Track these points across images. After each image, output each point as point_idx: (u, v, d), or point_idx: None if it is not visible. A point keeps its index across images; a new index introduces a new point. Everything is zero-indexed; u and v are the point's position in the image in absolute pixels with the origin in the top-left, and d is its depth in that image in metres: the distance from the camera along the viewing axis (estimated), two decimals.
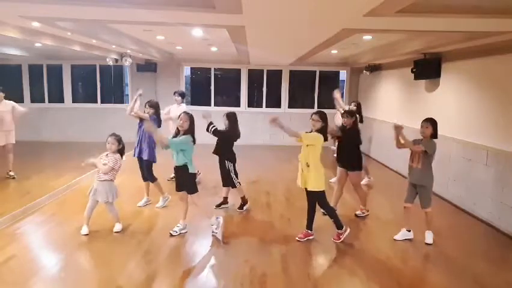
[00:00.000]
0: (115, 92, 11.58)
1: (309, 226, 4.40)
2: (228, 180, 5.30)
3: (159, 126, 5.29)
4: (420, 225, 4.48)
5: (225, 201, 5.46)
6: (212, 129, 5.04)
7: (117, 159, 4.38)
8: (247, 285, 3.41)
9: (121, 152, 4.44)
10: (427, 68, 6.52)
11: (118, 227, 4.52)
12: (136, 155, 5.33)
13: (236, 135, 5.27)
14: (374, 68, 9.32)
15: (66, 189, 5.96)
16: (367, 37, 5.84)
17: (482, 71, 5.40)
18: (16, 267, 3.63)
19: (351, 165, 5.13)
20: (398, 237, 4.46)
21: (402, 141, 4.36)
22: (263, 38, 5.80)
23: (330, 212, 4.36)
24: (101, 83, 11.07)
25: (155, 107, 5.35)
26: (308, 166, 4.14)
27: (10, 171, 6.64)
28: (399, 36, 5.75)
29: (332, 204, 5.25)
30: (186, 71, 11.46)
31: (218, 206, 5.41)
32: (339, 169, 5.26)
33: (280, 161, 8.89)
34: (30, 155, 8.88)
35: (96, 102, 11.11)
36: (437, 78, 6.44)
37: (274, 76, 11.18)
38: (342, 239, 4.34)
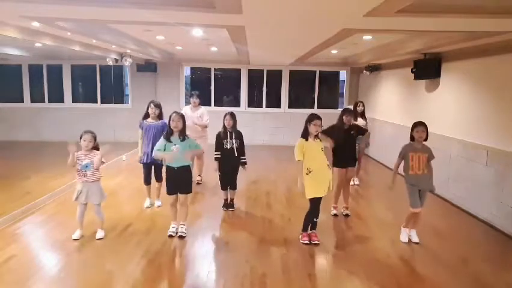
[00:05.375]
0: (115, 92, 11.58)
1: (313, 227, 4.40)
2: (234, 182, 5.31)
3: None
4: (419, 225, 4.48)
5: (232, 202, 5.43)
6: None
7: (101, 155, 4.22)
8: (247, 285, 3.41)
9: (96, 149, 4.25)
10: (427, 68, 6.52)
11: (100, 233, 4.32)
12: (150, 161, 5.18)
13: None
14: (374, 68, 9.32)
15: (66, 189, 5.96)
16: (367, 37, 5.84)
17: (482, 71, 5.39)
18: (16, 267, 3.63)
19: (354, 161, 5.24)
20: (403, 238, 4.41)
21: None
22: (263, 38, 5.80)
23: (318, 213, 4.36)
24: (101, 83, 11.08)
25: (160, 107, 5.27)
26: (329, 167, 4.19)
27: None
28: (399, 36, 5.75)
29: (333, 204, 5.28)
30: (186, 71, 11.46)
31: (226, 208, 5.37)
32: (340, 170, 5.16)
33: (280, 161, 8.89)
34: (30, 155, 8.89)
35: (96, 102, 11.12)
36: (437, 78, 6.44)
37: (274, 76, 11.18)
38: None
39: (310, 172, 4.13)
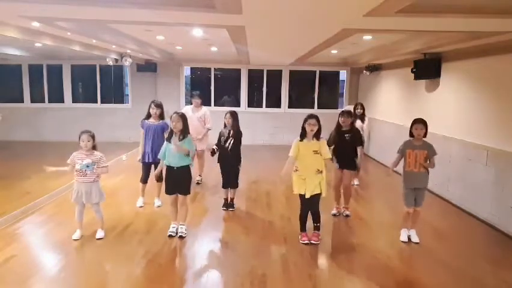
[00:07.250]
0: (115, 92, 11.58)
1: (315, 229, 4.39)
2: (234, 181, 5.31)
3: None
4: (419, 225, 4.47)
5: (232, 201, 5.43)
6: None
7: (102, 155, 4.22)
8: (247, 285, 3.41)
9: (94, 149, 4.23)
10: (427, 68, 6.52)
11: (100, 233, 4.32)
12: (153, 160, 5.19)
13: None
14: (374, 68, 9.32)
15: (66, 189, 5.95)
16: (367, 37, 5.84)
17: (482, 71, 5.39)
18: (16, 267, 3.63)
19: (352, 165, 5.11)
20: (403, 238, 4.40)
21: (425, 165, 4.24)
22: (263, 38, 5.80)
23: (319, 214, 4.36)
24: (101, 83, 11.08)
25: (161, 107, 5.27)
26: (321, 172, 4.14)
27: None
28: (399, 36, 5.75)
29: (336, 204, 5.27)
30: (186, 71, 11.46)
31: (226, 208, 5.36)
32: (335, 171, 5.16)
33: (281, 161, 8.80)
34: (30, 155, 8.89)
35: (96, 102, 11.12)
36: (437, 78, 6.44)
37: (274, 76, 11.18)
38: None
39: (297, 170, 4.22)
